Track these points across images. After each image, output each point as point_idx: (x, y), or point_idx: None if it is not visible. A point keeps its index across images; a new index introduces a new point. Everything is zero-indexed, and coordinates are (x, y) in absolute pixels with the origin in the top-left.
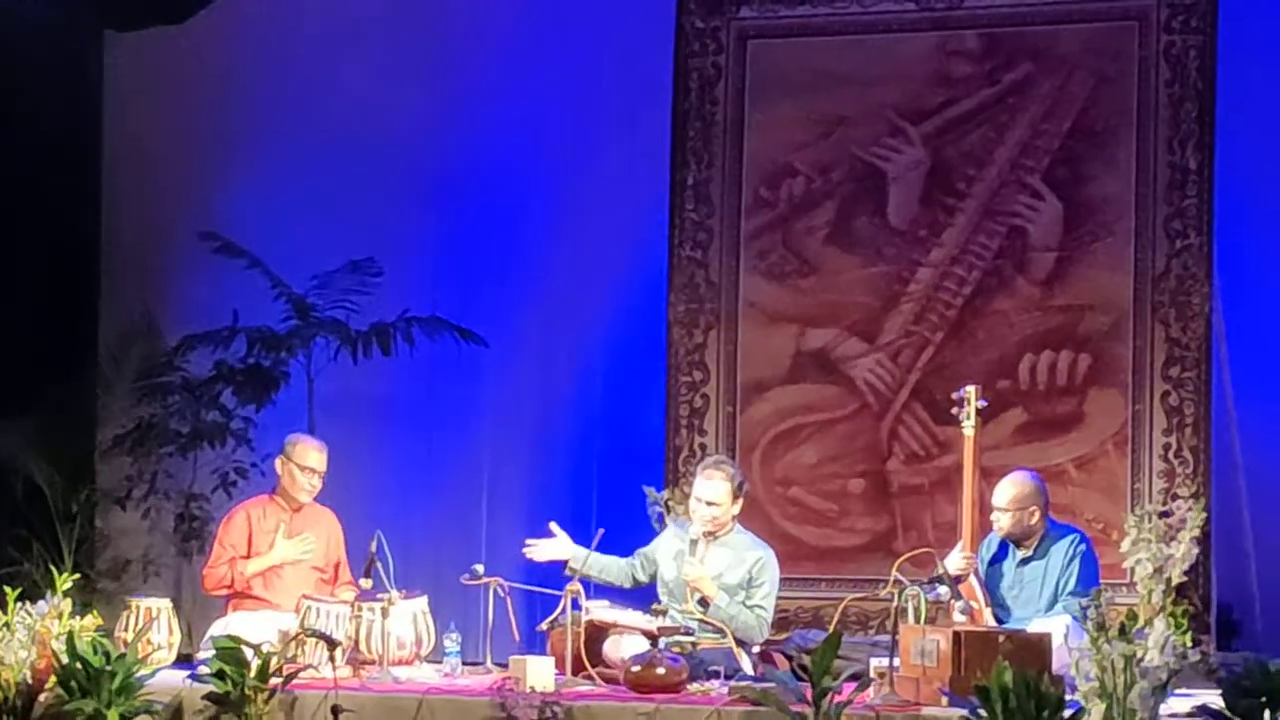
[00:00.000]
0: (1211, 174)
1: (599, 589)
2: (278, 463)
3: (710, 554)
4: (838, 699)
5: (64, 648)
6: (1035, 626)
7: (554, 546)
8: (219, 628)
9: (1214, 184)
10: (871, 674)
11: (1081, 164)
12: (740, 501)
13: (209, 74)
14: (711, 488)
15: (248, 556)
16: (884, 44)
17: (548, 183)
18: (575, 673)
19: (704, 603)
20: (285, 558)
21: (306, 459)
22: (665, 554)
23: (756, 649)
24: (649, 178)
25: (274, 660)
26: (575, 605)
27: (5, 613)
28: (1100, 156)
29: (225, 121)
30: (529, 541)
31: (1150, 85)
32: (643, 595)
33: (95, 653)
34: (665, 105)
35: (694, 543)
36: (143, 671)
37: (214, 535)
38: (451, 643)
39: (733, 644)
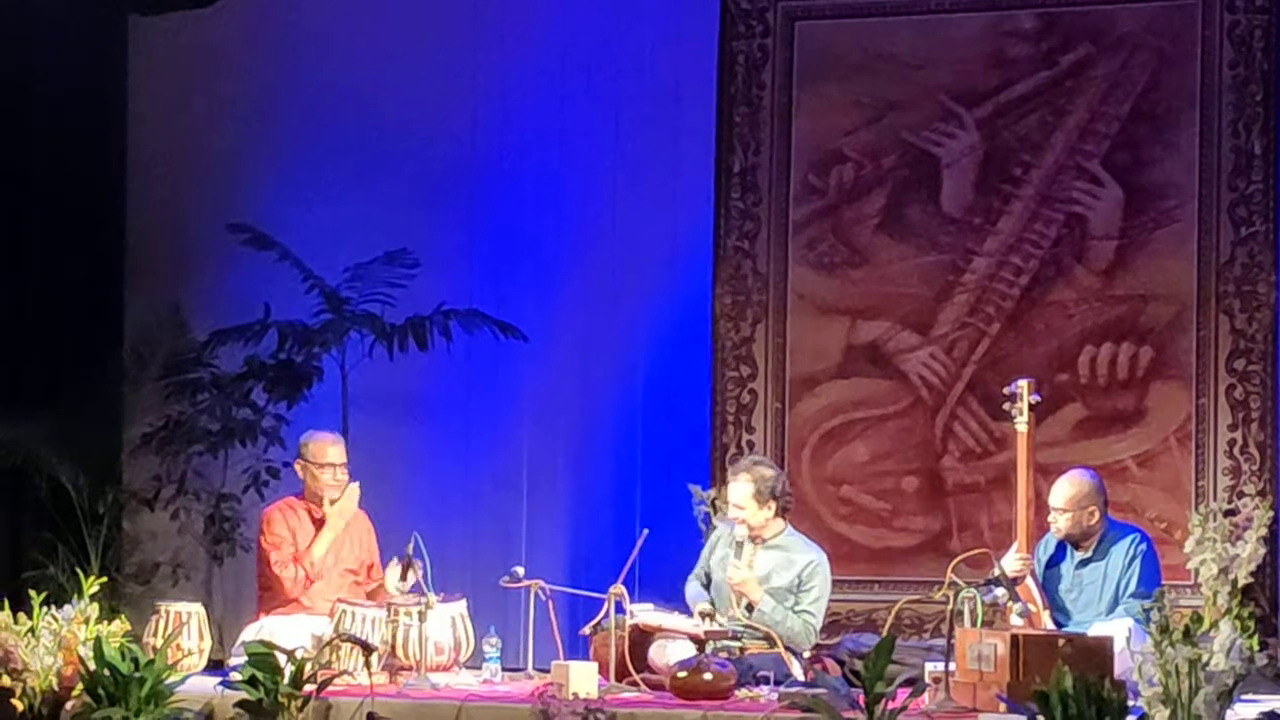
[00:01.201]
0: (1277, 158)
1: (644, 592)
2: (297, 467)
3: (759, 557)
4: (891, 705)
5: (91, 654)
6: (1096, 630)
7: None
8: (251, 632)
9: None
10: (926, 679)
11: (1142, 148)
12: (773, 504)
13: (237, 59)
14: (735, 490)
15: (296, 551)
16: (936, 24)
17: (589, 172)
18: (619, 678)
19: (750, 607)
20: (339, 523)
21: (324, 456)
22: (716, 556)
23: (807, 654)
24: (694, 165)
25: (308, 666)
26: (619, 609)
27: (31, 618)
28: (1161, 140)
29: (255, 108)
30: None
31: (1213, 66)
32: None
33: (123, 659)
34: (710, 90)
35: (740, 545)
36: (172, 678)
37: (258, 542)
38: (491, 648)
39: (781, 649)
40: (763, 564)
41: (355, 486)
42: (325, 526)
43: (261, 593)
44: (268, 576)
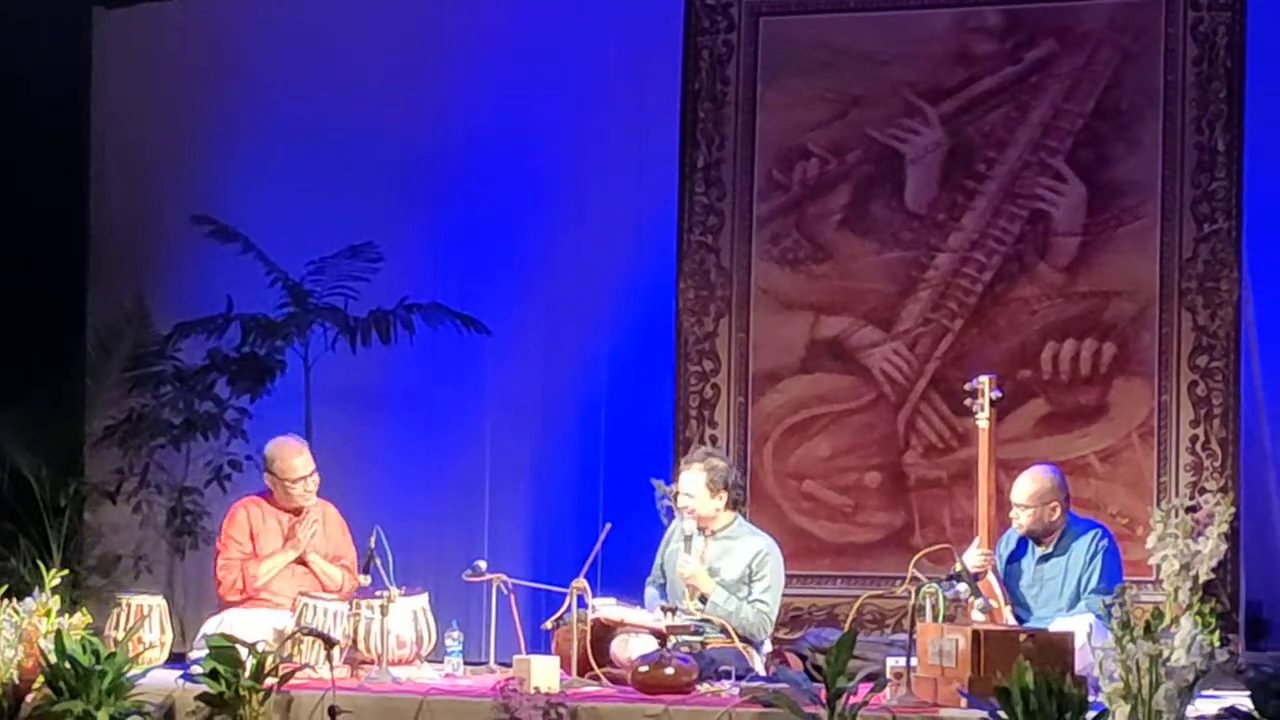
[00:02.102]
0: (1240, 156)
1: (606, 587)
2: (266, 479)
3: (710, 549)
4: (853, 700)
5: (52, 646)
6: (1057, 625)
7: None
8: (213, 626)
9: (1243, 166)
10: (888, 674)
11: (1105, 145)
12: (724, 495)
13: (201, 51)
14: (687, 479)
15: (254, 553)
16: (901, 20)
17: (553, 166)
18: (581, 673)
19: (703, 599)
20: (293, 554)
21: (292, 471)
22: (668, 552)
23: (769, 648)
24: (658, 160)
25: (269, 659)
26: (581, 603)
27: None
28: (1125, 137)
29: (219, 101)
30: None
31: (1177, 64)
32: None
33: (84, 652)
34: (675, 84)
35: (689, 538)
36: (134, 671)
37: (218, 534)
38: (453, 642)
39: (736, 641)
40: (713, 556)
41: (315, 522)
42: (283, 549)
43: (216, 586)
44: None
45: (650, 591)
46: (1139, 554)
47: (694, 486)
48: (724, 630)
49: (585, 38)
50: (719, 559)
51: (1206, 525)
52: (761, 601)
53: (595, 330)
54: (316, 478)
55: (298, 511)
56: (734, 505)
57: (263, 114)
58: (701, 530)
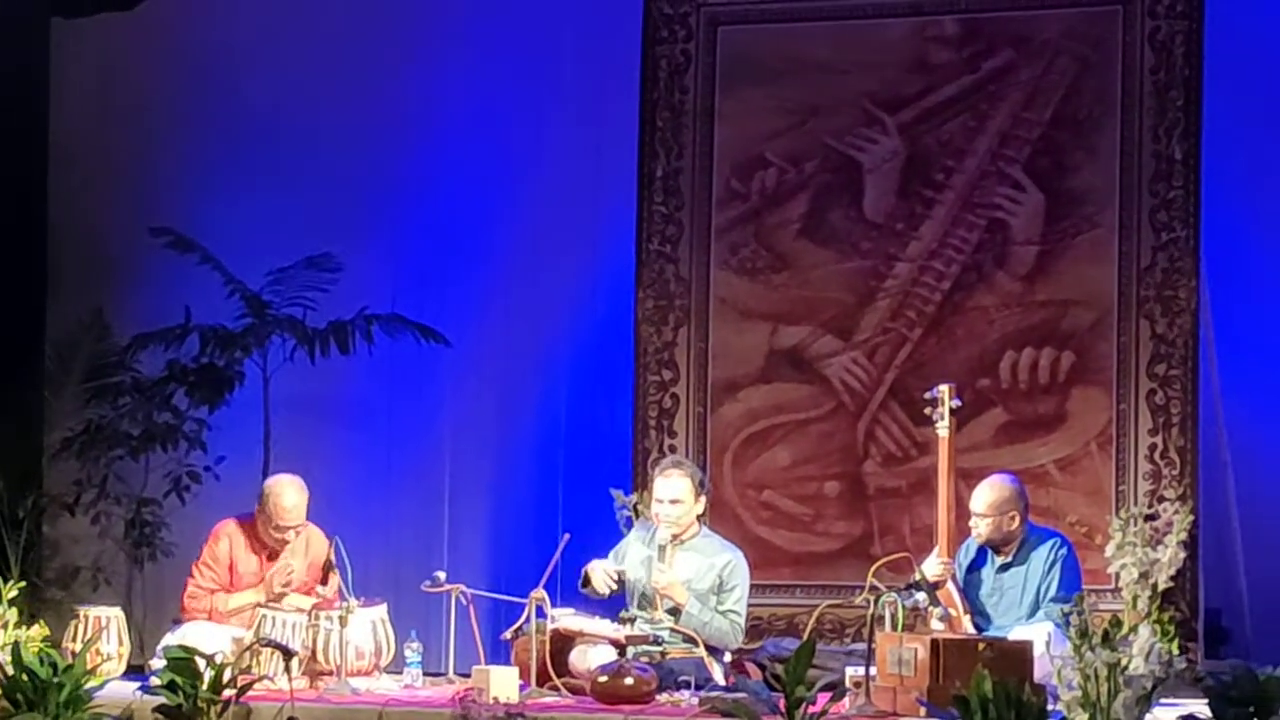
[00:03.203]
0: (1198, 164)
1: (565, 597)
2: (257, 510)
3: (678, 559)
4: (812, 710)
5: (9, 658)
6: (1016, 634)
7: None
8: (171, 638)
9: (1200, 175)
10: (847, 683)
11: (1064, 154)
12: (704, 500)
13: (160, 63)
14: (672, 485)
15: (230, 583)
16: (859, 29)
17: (511, 176)
18: (540, 683)
19: (675, 611)
20: (261, 597)
21: (283, 516)
22: (632, 560)
23: (729, 658)
24: (616, 169)
25: (227, 671)
26: (540, 613)
27: None
28: (1083, 146)
29: (177, 112)
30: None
31: (1135, 72)
32: (611, 603)
33: (42, 664)
34: (632, 94)
35: (662, 549)
36: (92, 683)
37: (198, 552)
38: (412, 652)
39: (704, 653)
40: (682, 567)
41: (292, 569)
42: (253, 589)
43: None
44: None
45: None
46: (1098, 563)
47: (682, 491)
48: (692, 641)
49: (543, 47)
50: (689, 569)
51: (1165, 534)
52: (734, 612)
53: (554, 340)
54: (304, 528)
55: (276, 553)
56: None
57: (221, 125)
58: (674, 539)
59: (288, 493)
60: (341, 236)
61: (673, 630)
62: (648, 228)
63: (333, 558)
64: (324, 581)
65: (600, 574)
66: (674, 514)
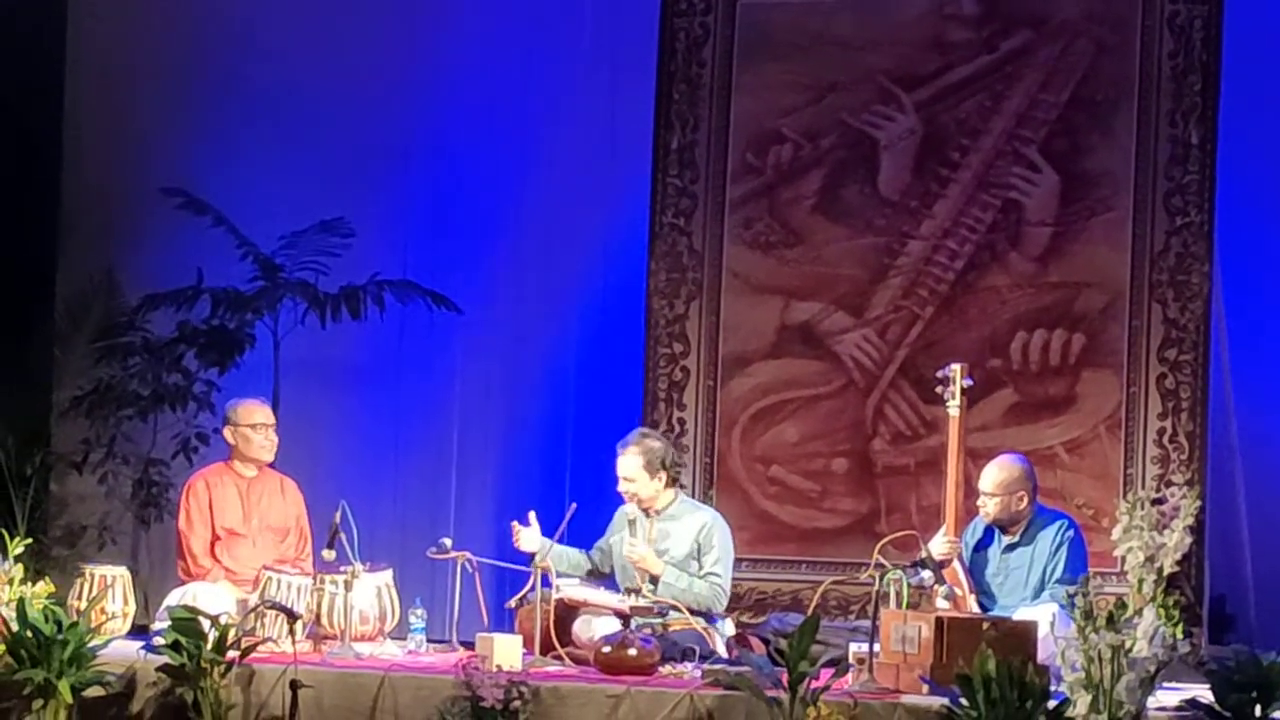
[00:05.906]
0: (1214, 149)
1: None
2: (226, 433)
3: (656, 530)
4: (814, 685)
5: (14, 615)
6: (1021, 614)
7: (529, 536)
8: (176, 597)
9: (1216, 160)
10: (850, 660)
11: (1080, 136)
12: (663, 475)
13: (175, 24)
14: (624, 464)
15: (212, 530)
16: (878, 7)
17: (526, 145)
18: (544, 652)
19: (655, 581)
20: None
21: (252, 417)
22: (616, 536)
23: (731, 631)
24: (631, 142)
25: (232, 632)
26: (545, 582)
27: None
28: (1099, 128)
29: (192, 74)
30: (515, 527)
31: (1152, 56)
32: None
33: (47, 621)
34: (650, 67)
35: (632, 522)
36: (95, 641)
37: (177, 510)
38: (416, 618)
39: (690, 618)
40: (659, 536)
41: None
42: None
43: (179, 560)
44: (182, 550)
45: (589, 554)
46: (1104, 545)
47: (631, 469)
48: (675, 608)
49: (560, 17)
50: (665, 539)
51: (1172, 518)
52: (713, 574)
53: (565, 311)
54: (275, 439)
55: (255, 476)
56: (673, 483)
57: (236, 87)
58: (645, 512)
59: (248, 400)
60: (355, 202)
61: (656, 601)
62: (661, 200)
63: (339, 521)
64: (330, 545)
65: (526, 538)
66: (628, 491)
